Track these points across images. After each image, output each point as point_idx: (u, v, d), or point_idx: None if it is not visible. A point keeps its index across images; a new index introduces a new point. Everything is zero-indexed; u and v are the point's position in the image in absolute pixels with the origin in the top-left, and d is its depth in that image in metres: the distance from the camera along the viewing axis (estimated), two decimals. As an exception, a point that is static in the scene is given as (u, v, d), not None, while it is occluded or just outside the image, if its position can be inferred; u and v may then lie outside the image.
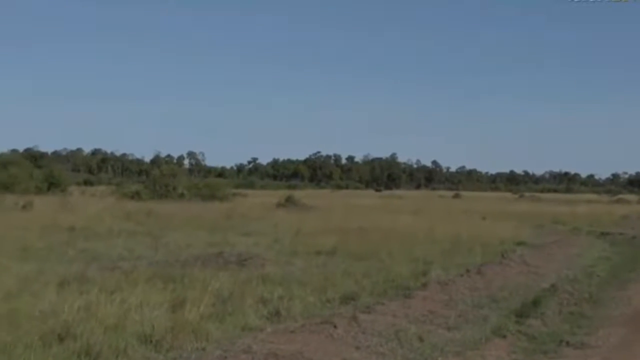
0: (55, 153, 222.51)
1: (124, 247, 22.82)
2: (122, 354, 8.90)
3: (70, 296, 12.26)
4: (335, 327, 10.69)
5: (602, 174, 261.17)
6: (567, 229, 40.56)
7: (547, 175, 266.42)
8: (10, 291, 12.89)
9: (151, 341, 9.65)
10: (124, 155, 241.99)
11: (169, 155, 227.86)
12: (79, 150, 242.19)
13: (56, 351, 8.83)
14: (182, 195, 61.10)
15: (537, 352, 10.76)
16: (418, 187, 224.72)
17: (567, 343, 11.28)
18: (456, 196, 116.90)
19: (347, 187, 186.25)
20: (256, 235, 28.55)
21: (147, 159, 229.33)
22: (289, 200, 53.59)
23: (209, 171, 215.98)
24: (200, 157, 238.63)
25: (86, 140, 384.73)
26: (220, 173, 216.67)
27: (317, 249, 22.85)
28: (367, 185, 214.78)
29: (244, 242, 26.06)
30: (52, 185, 72.05)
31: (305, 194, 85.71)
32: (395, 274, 17.13)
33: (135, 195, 60.09)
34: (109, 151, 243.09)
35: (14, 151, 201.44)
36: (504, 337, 11.45)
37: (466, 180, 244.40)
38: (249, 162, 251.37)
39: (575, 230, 39.35)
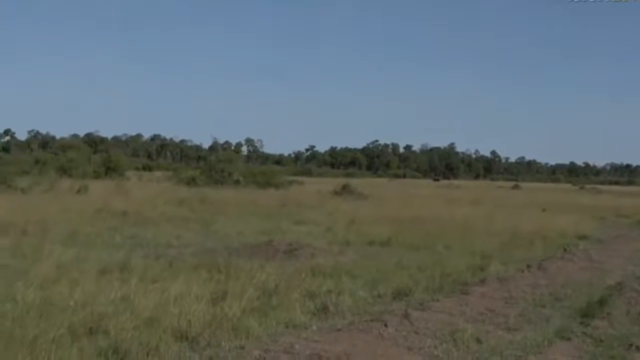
0: (115, 138, 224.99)
1: (173, 234, 22.40)
2: (154, 352, 8.22)
3: (109, 285, 11.74)
4: (385, 325, 9.96)
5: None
6: (631, 222, 39.25)
7: (608, 167, 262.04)
8: (47, 278, 12.32)
9: (187, 337, 8.97)
10: (182, 141, 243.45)
11: (226, 142, 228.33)
12: (139, 135, 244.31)
13: (83, 346, 8.21)
14: (237, 182, 60.72)
15: (605, 357, 9.88)
16: (476, 177, 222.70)
17: (638, 348, 10.37)
18: (515, 187, 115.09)
19: (404, 176, 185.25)
20: (310, 224, 27.98)
21: (206, 145, 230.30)
22: (345, 189, 52.86)
23: (267, 158, 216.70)
24: (258, 144, 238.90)
25: (147, 126, 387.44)
26: (278, 160, 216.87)
27: (371, 239, 22.19)
28: (425, 174, 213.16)
29: (296, 230, 25.49)
30: (110, 169, 72.30)
31: (362, 183, 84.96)
32: (452, 267, 16.31)
33: (191, 181, 59.85)
34: (168, 137, 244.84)
35: (75, 136, 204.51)
36: (569, 339, 10.56)
37: (525, 171, 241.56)
38: (307, 150, 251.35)
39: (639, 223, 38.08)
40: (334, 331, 9.78)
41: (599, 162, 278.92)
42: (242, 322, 9.68)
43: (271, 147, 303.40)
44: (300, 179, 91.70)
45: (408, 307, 11.60)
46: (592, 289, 15.17)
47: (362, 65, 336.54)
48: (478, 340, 9.92)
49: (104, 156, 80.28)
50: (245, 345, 8.88)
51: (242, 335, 9.25)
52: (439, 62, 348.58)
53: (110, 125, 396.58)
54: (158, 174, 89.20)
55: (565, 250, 21.03)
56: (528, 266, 17.23)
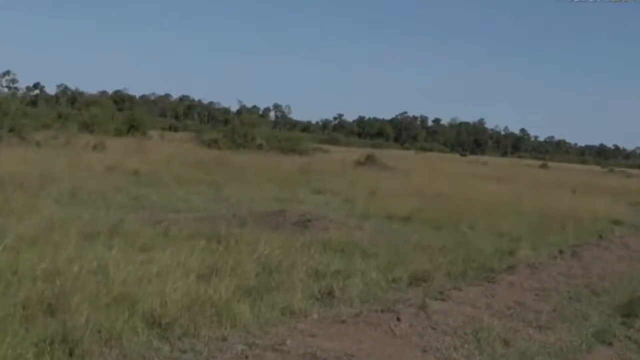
0: (143, 97, 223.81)
1: (182, 197, 21.08)
2: (114, 342, 6.81)
3: (90, 252, 10.31)
4: (398, 319, 8.52)
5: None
6: (666, 208, 37.62)
7: (638, 151, 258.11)
8: (26, 239, 10.89)
9: (160, 323, 7.54)
10: (211, 103, 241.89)
11: (254, 107, 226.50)
12: (167, 95, 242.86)
13: (31, 330, 6.81)
14: (260, 147, 59.26)
15: (653, 368, 8.45)
16: (504, 154, 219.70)
17: (690, 357, 8.92)
18: (543, 166, 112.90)
19: (431, 150, 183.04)
20: (329, 194, 26.56)
21: (234, 109, 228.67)
22: (369, 159, 51.23)
23: (294, 125, 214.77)
24: (286, 110, 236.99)
25: (177, 88, 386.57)
26: (306, 127, 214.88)
27: (391, 213, 20.70)
28: (452, 149, 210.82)
29: (314, 200, 24.13)
30: (133, 128, 70.95)
31: (388, 154, 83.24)
32: (477, 250, 14.76)
33: (213, 143, 58.43)
34: (196, 98, 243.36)
35: (104, 93, 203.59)
36: (610, 344, 9.11)
37: (554, 150, 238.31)
38: (335, 119, 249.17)
39: (675, 211, 36.42)
40: (337, 323, 8.35)
41: (629, 145, 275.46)
42: (230, 306, 8.19)
43: (299, 114, 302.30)
44: (325, 147, 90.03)
45: (426, 296, 10.16)
46: (633, 283, 13.71)
47: (394, 37, 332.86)
48: (506, 342, 8.48)
49: (127, 114, 78.91)
50: (229, 337, 7.49)
51: (228, 323, 7.81)
52: (472, 38, 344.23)
53: (141, 85, 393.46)
54: (180, 134, 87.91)
55: (600, 236, 19.47)
56: (561, 252, 15.76)
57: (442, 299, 10.07)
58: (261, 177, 30.77)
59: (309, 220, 16.86)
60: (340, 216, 19.35)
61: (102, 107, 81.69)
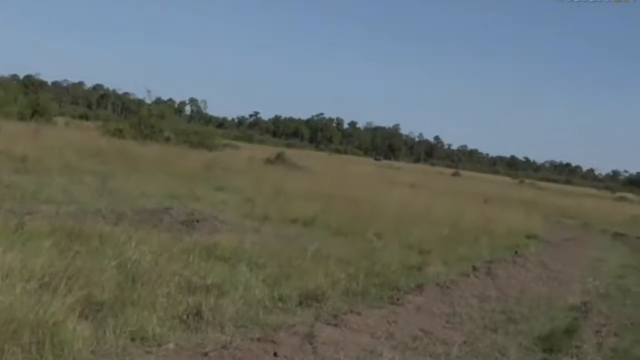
0: (55, 83, 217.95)
1: (64, 187, 18.97)
2: None
3: None
4: (275, 354, 6.81)
5: (603, 169, 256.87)
6: (577, 224, 36.99)
7: (547, 164, 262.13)
8: None
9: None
10: (125, 93, 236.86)
11: (170, 99, 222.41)
12: (80, 83, 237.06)
13: None
14: (168, 139, 57.02)
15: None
16: (417, 160, 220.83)
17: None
18: (455, 174, 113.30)
19: (345, 152, 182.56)
20: (230, 191, 24.76)
21: (149, 101, 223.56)
22: (279, 158, 49.64)
23: (209, 120, 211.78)
24: (201, 105, 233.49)
25: (97, 77, 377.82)
26: (221, 123, 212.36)
27: (294, 216, 19.03)
28: (366, 152, 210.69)
29: (212, 197, 22.29)
30: (37, 113, 67.87)
31: (301, 154, 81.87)
32: (383, 263, 13.12)
33: (118, 133, 55.98)
34: (111, 88, 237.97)
35: (14, 77, 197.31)
36: (531, 389, 7.58)
37: (466, 159, 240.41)
38: (250, 116, 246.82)
39: (587, 226, 35.77)
40: (197, 356, 6.58)
41: (539, 158, 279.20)
42: (61, 329, 6.36)
43: (215, 110, 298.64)
44: (238, 143, 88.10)
45: (317, 321, 8.48)
46: (553, 308, 12.28)
47: (315, 37, 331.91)
48: (407, 387, 6.83)
49: (31, 98, 75.62)
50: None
51: (50, 353, 5.99)
52: (393, 42, 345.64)
53: (60, 72, 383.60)
54: (87, 123, 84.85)
55: (516, 252, 18.08)
56: (474, 269, 14.24)
57: (336, 325, 8.38)
58: (161, 171, 28.81)
59: (197, 221, 15.10)
60: (237, 217, 17.70)
61: (5, 90, 78.18)
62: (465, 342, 8.97)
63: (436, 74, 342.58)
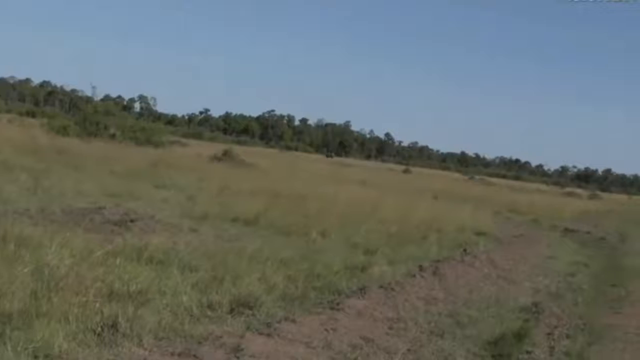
0: (1, 80, 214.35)
1: (-5, 186, 18.06)
2: None
3: None
4: (196, 372, 6.13)
5: (551, 165, 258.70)
6: (527, 220, 36.67)
7: (497, 161, 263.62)
8: None
9: None
10: (73, 90, 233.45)
11: (119, 96, 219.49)
12: (27, 80, 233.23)
13: None
14: (113, 136, 55.91)
15: None
16: (368, 157, 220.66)
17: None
18: (406, 171, 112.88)
19: (296, 149, 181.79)
20: (173, 189, 23.94)
21: (97, 98, 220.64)
22: (226, 155, 48.80)
23: (159, 117, 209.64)
24: (151, 102, 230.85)
25: (44, 74, 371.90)
26: (171, 120, 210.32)
27: (236, 215, 18.32)
28: (317, 149, 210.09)
29: (153, 195, 21.49)
30: (-26, 109, 66.34)
31: (251, 151, 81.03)
32: (325, 265, 12.43)
33: (62, 130, 54.73)
34: (58, 85, 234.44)
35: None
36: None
37: (417, 156, 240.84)
38: (201, 113, 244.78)
39: (536, 222, 35.42)
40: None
41: (489, 154, 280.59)
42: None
43: (166, 107, 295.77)
44: (186, 140, 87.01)
45: (248, 330, 7.80)
46: (502, 309, 11.74)
47: (267, 36, 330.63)
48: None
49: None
50: None
51: None
52: (341, 39, 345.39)
53: (6, 68, 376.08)
54: (31, 120, 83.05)
55: (465, 250, 17.48)
56: (421, 269, 13.60)
57: (268, 335, 7.72)
58: (103, 168, 27.93)
59: (131, 221, 14.36)
60: (175, 216, 16.95)
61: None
62: (409, 350, 8.36)
63: (387, 70, 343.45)
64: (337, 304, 9.65)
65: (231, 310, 8.72)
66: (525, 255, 19.68)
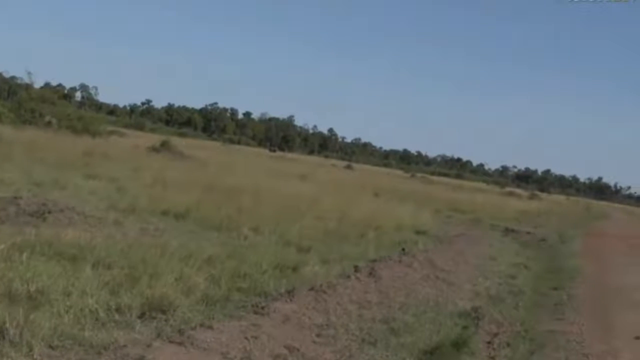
0: None
1: None
2: None
3: None
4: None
5: (492, 164, 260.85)
6: (468, 218, 36.10)
7: (439, 159, 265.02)
8: None
9: None
10: (13, 77, 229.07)
11: (60, 85, 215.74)
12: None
13: None
14: (49, 124, 54.39)
15: None
16: (311, 152, 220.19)
17: None
18: (348, 167, 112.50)
19: (239, 143, 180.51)
20: (104, 180, 22.91)
21: (38, 85, 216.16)
22: (164, 146, 47.62)
23: (100, 107, 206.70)
24: (92, 92, 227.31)
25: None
26: (112, 110, 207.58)
27: (166, 208, 17.46)
28: (260, 143, 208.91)
29: (81, 186, 20.49)
30: None
31: (191, 143, 79.70)
32: (253, 263, 11.63)
33: (-5, 118, 53.10)
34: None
35: None
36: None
37: (360, 152, 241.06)
38: (143, 104, 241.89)
39: (477, 221, 34.85)
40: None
41: (431, 152, 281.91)
42: None
43: (108, 97, 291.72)
44: (125, 131, 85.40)
45: (158, 338, 6.99)
46: (441, 314, 11.06)
47: (212, 28, 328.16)
48: None
49: None
50: None
51: None
52: (287, 32, 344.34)
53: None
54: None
55: (403, 250, 16.75)
56: (356, 269, 12.86)
57: (180, 343, 6.92)
58: (33, 157, 26.77)
59: (49, 212, 13.44)
60: (101, 208, 16.01)
61: None
62: (337, 361, 7.63)
63: (330, 65, 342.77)
64: (262, 307, 8.83)
65: (142, 315, 7.90)
66: (466, 255, 19.07)
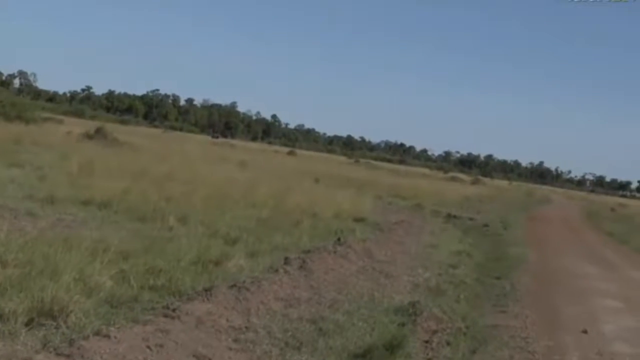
0: None
1: None
2: None
3: None
4: None
5: (435, 150, 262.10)
6: (410, 205, 35.40)
7: (382, 144, 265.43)
8: None
9: None
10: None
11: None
12: None
13: None
14: (-21, 112, 52.60)
15: None
16: (254, 139, 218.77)
17: None
18: (291, 153, 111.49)
19: (181, 130, 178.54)
20: (29, 167, 21.72)
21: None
22: (98, 133, 46.15)
23: (39, 94, 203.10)
24: (31, 78, 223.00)
25: None
26: (52, 97, 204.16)
27: (89, 197, 16.34)
28: (203, 130, 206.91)
29: (2, 175, 19.27)
30: None
31: (130, 130, 78.33)
32: (171, 257, 10.66)
33: None
34: None
35: None
36: None
37: (303, 138, 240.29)
38: (83, 91, 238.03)
39: (419, 207, 34.14)
40: None
41: (375, 138, 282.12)
42: None
43: (48, 84, 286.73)
44: (63, 117, 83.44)
45: (42, 350, 6.03)
46: (375, 311, 10.22)
47: (149, 10, 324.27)
48: None
49: None
50: None
51: None
52: (229, 17, 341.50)
53: None
54: None
55: (339, 240, 15.81)
56: (286, 261, 11.96)
57: (68, 356, 5.96)
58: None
59: (-49, 203, 12.33)
60: (17, 198, 14.93)
61: None
62: (253, 372, 6.74)
63: (273, 50, 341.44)
64: (174, 309, 7.80)
65: (30, 322, 6.88)
66: (406, 243, 18.32)
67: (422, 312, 10.29)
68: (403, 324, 9.60)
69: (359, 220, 22.14)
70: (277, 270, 11.08)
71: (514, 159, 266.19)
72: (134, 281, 8.90)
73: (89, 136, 44.43)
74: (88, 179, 19.68)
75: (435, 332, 9.64)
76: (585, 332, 11.27)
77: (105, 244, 10.72)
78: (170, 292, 8.95)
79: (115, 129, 57.84)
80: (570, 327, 11.60)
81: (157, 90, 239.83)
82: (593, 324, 11.93)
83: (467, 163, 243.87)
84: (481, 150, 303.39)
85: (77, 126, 60.81)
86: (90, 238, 11.03)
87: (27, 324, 6.81)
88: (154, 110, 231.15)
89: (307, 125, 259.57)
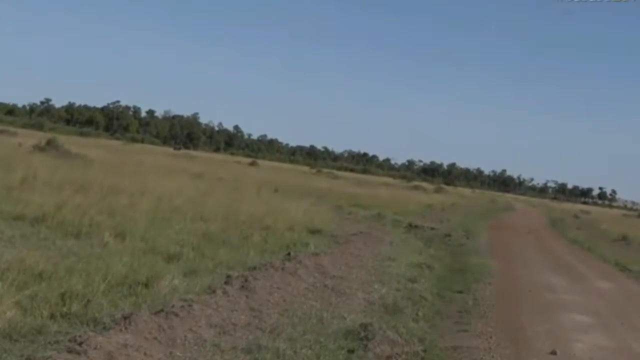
0: None
1: None
2: None
3: None
4: None
5: (399, 159, 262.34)
6: (370, 215, 34.39)
7: (345, 154, 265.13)
8: None
9: None
10: None
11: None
12: None
13: None
14: None
15: None
16: (217, 150, 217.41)
17: None
18: (253, 164, 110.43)
19: (142, 141, 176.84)
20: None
21: None
22: (50, 144, 44.80)
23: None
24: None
25: None
26: (10, 110, 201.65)
27: (23, 212, 15.21)
28: (165, 141, 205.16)
29: None
30: None
31: (87, 142, 76.82)
32: (95, 278, 9.53)
33: None
34: None
35: None
36: None
37: (266, 149, 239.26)
38: (42, 103, 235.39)
39: (379, 217, 33.16)
40: None
41: (338, 148, 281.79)
42: None
43: (6, 97, 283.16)
44: (20, 130, 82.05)
45: None
46: (322, 335, 9.16)
47: (112, 21, 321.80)
48: None
49: None
50: None
51: None
52: (193, 28, 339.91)
53: None
54: None
55: (289, 255, 14.70)
56: (227, 280, 10.90)
57: None
58: None
59: None
60: None
61: None
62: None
63: (236, 61, 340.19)
64: (81, 343, 6.67)
65: None
66: (363, 256, 17.27)
67: (375, 336, 9.26)
68: (352, 350, 8.59)
69: (314, 232, 21.10)
70: (214, 291, 9.97)
71: (476, 167, 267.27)
72: (43, 308, 7.79)
73: (40, 148, 43.06)
74: (27, 193, 18.52)
75: (388, 357, 8.64)
76: (554, 353, 10.31)
77: (23, 264, 9.62)
78: (84, 321, 7.85)
79: (74, 142, 56.54)
80: (538, 348, 10.64)
81: (118, 102, 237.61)
82: (562, 344, 10.97)
83: (430, 172, 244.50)
84: (444, 159, 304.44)
85: (31, 138, 59.30)
86: (6, 259, 9.90)
87: None
88: (114, 122, 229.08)
89: (270, 136, 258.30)
